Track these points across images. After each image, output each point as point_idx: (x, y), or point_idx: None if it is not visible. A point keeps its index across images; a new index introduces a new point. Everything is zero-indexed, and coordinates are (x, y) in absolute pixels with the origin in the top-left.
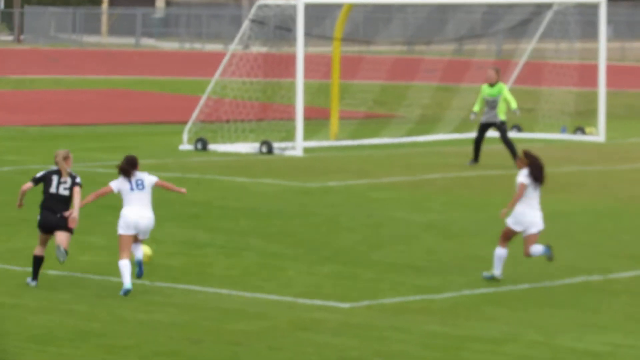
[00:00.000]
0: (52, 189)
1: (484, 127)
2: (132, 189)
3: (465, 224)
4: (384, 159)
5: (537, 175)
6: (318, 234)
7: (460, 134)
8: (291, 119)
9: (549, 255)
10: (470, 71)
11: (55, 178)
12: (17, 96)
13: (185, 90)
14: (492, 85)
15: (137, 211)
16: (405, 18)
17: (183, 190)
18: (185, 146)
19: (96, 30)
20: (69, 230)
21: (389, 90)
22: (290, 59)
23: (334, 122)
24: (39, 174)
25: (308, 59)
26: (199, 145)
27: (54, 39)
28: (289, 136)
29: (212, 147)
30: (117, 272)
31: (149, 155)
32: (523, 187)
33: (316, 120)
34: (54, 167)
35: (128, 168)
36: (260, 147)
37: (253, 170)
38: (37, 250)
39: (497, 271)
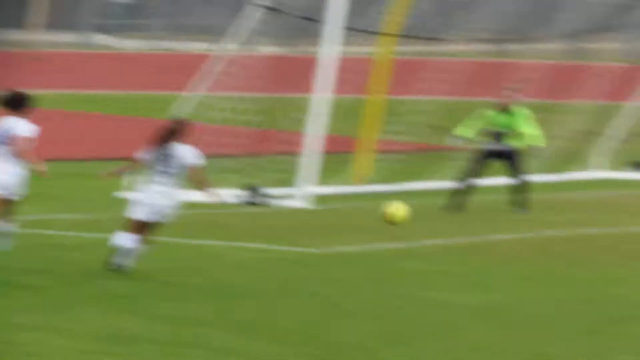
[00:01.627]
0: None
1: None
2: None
3: (534, 308)
4: (431, 211)
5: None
6: (310, 322)
7: (559, 175)
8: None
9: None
10: (585, 81)
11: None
12: None
13: (149, 112)
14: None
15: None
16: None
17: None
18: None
19: (20, 22)
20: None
21: (458, 110)
22: (309, 64)
23: (364, 158)
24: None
25: (342, 65)
26: None
27: None
28: (293, 178)
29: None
30: None
31: (73, 207)
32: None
33: (342, 156)
34: None
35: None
36: (247, 195)
37: (230, 230)
38: None
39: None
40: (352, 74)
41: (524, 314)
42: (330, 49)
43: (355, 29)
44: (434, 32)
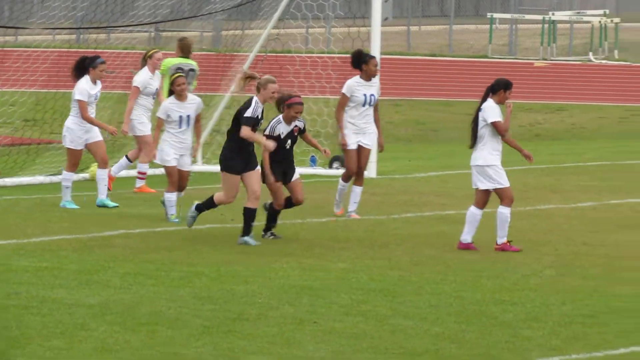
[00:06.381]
0: None
1: None
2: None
3: (157, 306)
4: (38, 207)
5: None
6: None
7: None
8: None
9: None
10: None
11: None
12: None
13: None
14: None
15: None
16: None
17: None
18: None
19: None
20: None
21: (48, 101)
22: None
23: None
24: None
25: None
26: None
27: None
28: None
29: None
30: None
31: None
32: None
33: None
34: None
35: None
36: None
37: None
38: None
39: None
40: None
41: (147, 313)
42: None
43: None
44: (11, 20)
